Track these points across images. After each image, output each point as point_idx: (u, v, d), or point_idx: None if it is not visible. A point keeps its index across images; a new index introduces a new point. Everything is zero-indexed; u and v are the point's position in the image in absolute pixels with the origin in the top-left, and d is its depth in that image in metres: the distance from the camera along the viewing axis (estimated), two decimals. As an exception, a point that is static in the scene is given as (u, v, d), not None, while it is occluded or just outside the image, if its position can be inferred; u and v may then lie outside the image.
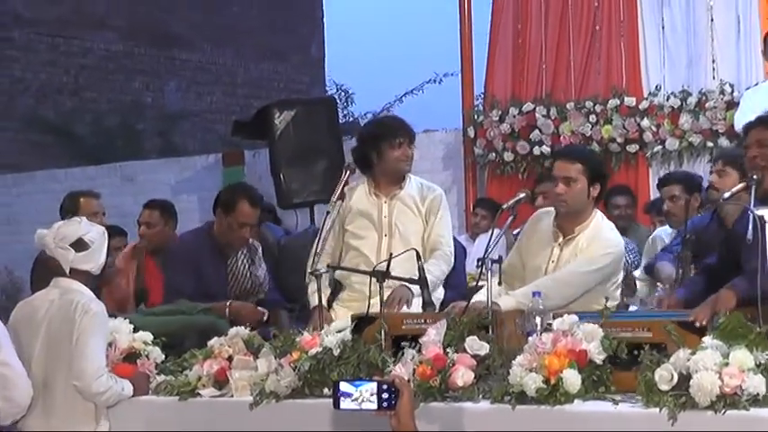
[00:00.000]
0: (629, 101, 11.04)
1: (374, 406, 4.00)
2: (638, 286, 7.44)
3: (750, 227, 5.07)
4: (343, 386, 4.04)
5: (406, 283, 6.16)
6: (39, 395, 5.56)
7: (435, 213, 6.63)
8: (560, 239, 6.05)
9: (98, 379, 5.44)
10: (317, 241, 6.59)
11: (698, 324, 4.76)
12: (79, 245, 5.61)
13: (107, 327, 5.65)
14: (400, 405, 4.00)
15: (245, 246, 7.25)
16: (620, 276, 6.15)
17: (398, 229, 6.56)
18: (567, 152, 6.97)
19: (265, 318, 6.94)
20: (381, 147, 6.61)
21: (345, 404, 4.02)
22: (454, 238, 7.08)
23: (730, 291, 5.04)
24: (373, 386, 4.01)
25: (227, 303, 6.90)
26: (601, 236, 6.01)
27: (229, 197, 7.19)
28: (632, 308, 6.94)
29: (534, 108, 11.47)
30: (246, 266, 7.24)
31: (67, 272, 5.62)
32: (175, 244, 7.64)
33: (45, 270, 6.04)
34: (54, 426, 5.53)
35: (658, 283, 6.93)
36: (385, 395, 4.00)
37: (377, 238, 6.58)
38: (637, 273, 7.62)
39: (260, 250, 7.40)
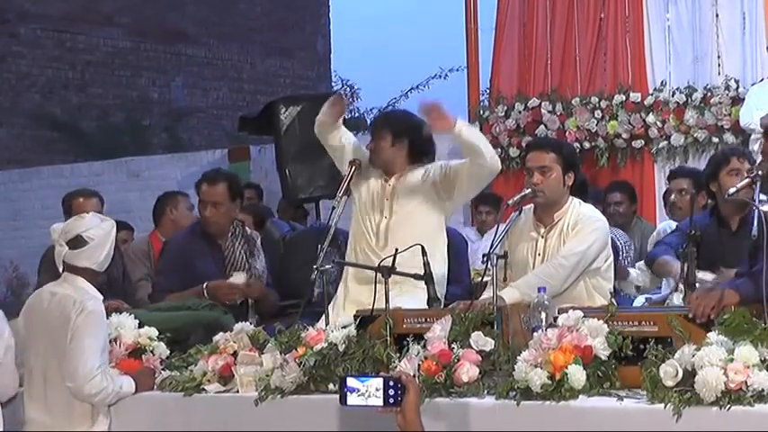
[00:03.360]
0: (635, 96, 11.05)
1: (380, 402, 4.01)
2: (633, 275, 7.47)
3: (755, 224, 5.05)
4: (350, 381, 4.05)
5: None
6: (40, 388, 5.59)
7: (447, 163, 6.62)
8: (542, 230, 6.11)
9: (90, 381, 5.42)
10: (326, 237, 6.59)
11: (698, 320, 4.76)
12: (75, 242, 5.60)
13: (104, 325, 5.62)
14: (406, 402, 4.01)
15: (223, 229, 7.26)
16: (612, 255, 6.19)
17: (398, 212, 6.52)
18: (540, 143, 7.09)
19: (239, 299, 7.02)
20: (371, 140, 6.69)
21: (352, 399, 4.03)
22: (455, 230, 7.25)
23: (734, 290, 5.01)
24: (379, 382, 4.02)
25: (203, 285, 6.94)
26: (584, 216, 6.08)
27: (196, 183, 7.37)
28: (637, 302, 6.95)
29: (540, 104, 11.47)
30: (244, 257, 7.26)
31: (60, 268, 5.63)
32: (167, 244, 7.72)
33: (50, 265, 6.06)
34: (52, 421, 5.54)
35: (665, 278, 6.91)
36: (391, 391, 4.00)
37: (377, 220, 6.56)
38: (637, 264, 7.63)
39: (258, 241, 7.43)
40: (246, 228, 7.48)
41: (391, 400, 4.01)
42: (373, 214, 6.57)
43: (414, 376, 4.69)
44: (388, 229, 6.41)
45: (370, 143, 6.67)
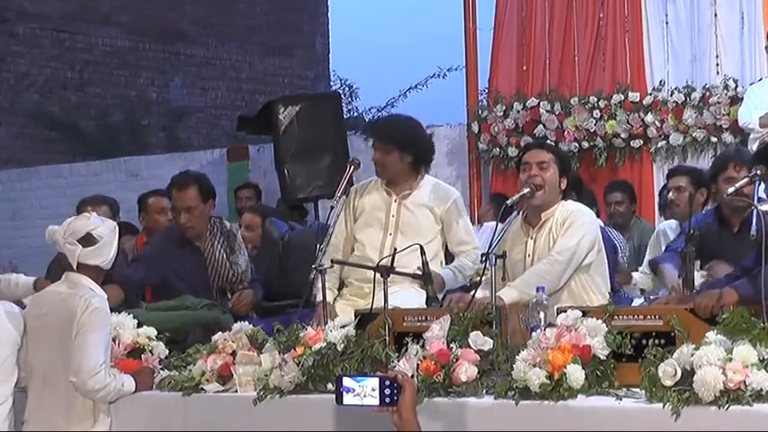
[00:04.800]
0: (634, 96, 11.05)
1: (376, 401, 4.01)
2: (636, 278, 7.48)
3: (754, 223, 5.05)
4: (346, 381, 4.05)
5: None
6: (39, 389, 5.59)
7: (457, 220, 6.70)
8: (531, 231, 6.15)
9: (94, 376, 5.43)
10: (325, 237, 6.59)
11: (701, 315, 4.77)
12: (87, 240, 5.63)
13: (109, 323, 5.64)
14: (402, 401, 4.01)
15: (200, 232, 7.23)
16: (603, 250, 6.21)
17: (404, 229, 6.57)
18: (538, 143, 7.37)
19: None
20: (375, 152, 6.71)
21: (348, 399, 4.03)
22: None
23: (733, 290, 5.01)
24: (375, 381, 4.02)
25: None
26: (573, 211, 6.13)
27: (167, 188, 7.42)
28: (636, 302, 6.95)
29: (538, 103, 11.47)
30: (225, 256, 7.24)
31: (75, 267, 5.64)
32: (145, 245, 7.79)
33: (59, 265, 6.08)
34: (52, 421, 5.54)
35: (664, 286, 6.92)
36: (387, 391, 4.00)
37: (381, 236, 6.59)
38: (641, 268, 7.63)
39: (239, 236, 7.42)
40: (225, 222, 7.45)
41: (387, 400, 4.01)
42: (376, 229, 6.60)
43: (412, 376, 4.69)
44: (393, 246, 6.38)
45: (375, 155, 6.67)
